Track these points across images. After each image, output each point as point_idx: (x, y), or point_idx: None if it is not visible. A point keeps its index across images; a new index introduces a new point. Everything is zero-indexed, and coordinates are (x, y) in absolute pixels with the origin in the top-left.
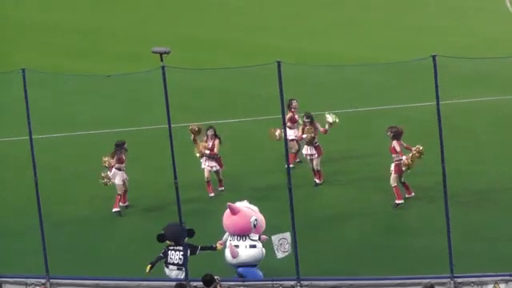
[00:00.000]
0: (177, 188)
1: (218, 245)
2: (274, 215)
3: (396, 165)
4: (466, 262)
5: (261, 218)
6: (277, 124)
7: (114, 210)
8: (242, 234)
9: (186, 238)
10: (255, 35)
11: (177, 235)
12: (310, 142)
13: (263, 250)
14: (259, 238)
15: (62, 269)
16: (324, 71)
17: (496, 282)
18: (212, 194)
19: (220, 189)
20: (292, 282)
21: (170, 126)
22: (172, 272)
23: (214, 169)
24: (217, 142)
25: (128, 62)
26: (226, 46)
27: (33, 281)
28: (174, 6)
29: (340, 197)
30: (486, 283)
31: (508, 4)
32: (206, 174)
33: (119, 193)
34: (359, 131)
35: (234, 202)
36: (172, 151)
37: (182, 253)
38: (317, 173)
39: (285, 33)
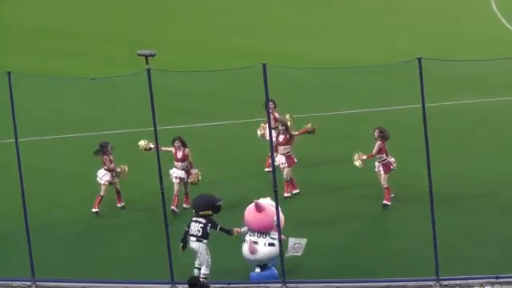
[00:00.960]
0: (162, 193)
1: (235, 230)
2: None
3: (383, 165)
4: (452, 265)
5: (281, 216)
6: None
7: (94, 210)
8: (263, 231)
9: (210, 212)
10: (240, 37)
11: (198, 205)
12: (283, 151)
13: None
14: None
15: (48, 271)
16: (308, 74)
17: (481, 285)
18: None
19: (184, 206)
20: (278, 285)
21: (155, 129)
22: (192, 243)
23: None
24: (187, 150)
25: (115, 64)
26: (211, 48)
27: (18, 283)
28: (160, 9)
29: (323, 200)
30: (472, 286)
31: (494, 5)
32: (176, 187)
33: (102, 194)
34: (343, 134)
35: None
36: (158, 153)
37: (201, 225)
38: (286, 183)
39: (270, 35)
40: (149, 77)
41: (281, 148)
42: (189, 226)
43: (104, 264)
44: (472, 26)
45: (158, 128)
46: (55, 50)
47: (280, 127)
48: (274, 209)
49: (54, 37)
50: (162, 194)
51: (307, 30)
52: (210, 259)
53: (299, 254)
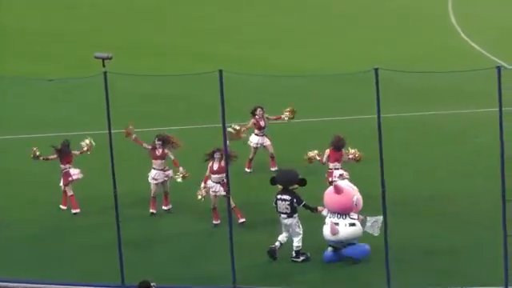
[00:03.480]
0: (115, 196)
1: (319, 208)
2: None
3: (340, 175)
4: (404, 275)
5: (360, 197)
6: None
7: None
8: (343, 212)
9: (296, 186)
10: (203, 42)
11: (285, 179)
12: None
13: (361, 228)
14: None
15: (5, 271)
16: (269, 80)
17: None
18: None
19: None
20: None
21: (110, 132)
22: (283, 220)
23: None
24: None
25: (81, 67)
26: (173, 52)
27: None
28: (121, 13)
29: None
30: None
31: (453, 18)
32: (154, 188)
33: (72, 193)
34: (299, 141)
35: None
36: (111, 157)
37: (288, 202)
38: (213, 211)
39: (233, 40)
40: (105, 79)
41: (215, 177)
42: (276, 204)
43: (56, 265)
44: (432, 37)
45: (112, 131)
46: (15, 50)
47: (216, 155)
48: (352, 190)
49: (12, 36)
50: (115, 196)
51: (270, 36)
52: (301, 232)
53: (376, 233)
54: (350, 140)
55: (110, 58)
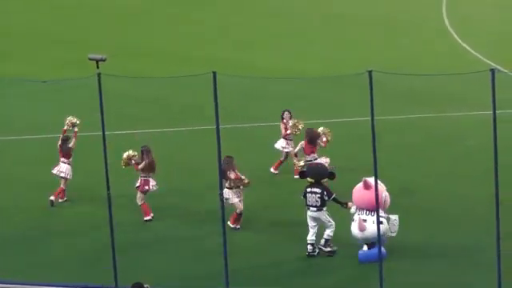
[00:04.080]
0: (109, 198)
1: (349, 203)
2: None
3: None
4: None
5: (387, 194)
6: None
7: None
8: (372, 208)
9: (326, 179)
10: (193, 45)
11: (317, 172)
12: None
13: (387, 226)
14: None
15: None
16: (261, 83)
17: None
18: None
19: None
20: None
21: (103, 133)
22: (312, 213)
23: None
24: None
25: (73, 67)
26: (163, 55)
27: None
28: (117, 16)
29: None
30: None
31: (446, 20)
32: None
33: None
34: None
35: None
36: (105, 158)
37: (318, 195)
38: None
39: (223, 44)
40: (99, 81)
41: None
42: (305, 197)
43: (48, 267)
44: (422, 40)
45: (106, 132)
46: (4, 51)
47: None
48: (381, 186)
49: (2, 37)
50: (109, 198)
51: (257, 39)
52: (332, 222)
53: (394, 234)
54: (339, 143)
55: (104, 60)
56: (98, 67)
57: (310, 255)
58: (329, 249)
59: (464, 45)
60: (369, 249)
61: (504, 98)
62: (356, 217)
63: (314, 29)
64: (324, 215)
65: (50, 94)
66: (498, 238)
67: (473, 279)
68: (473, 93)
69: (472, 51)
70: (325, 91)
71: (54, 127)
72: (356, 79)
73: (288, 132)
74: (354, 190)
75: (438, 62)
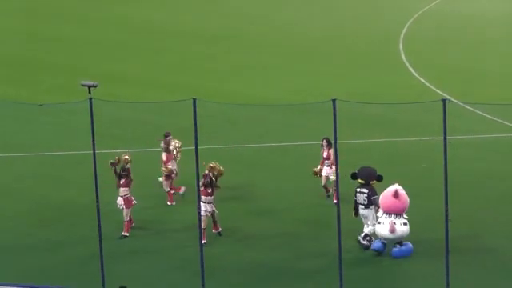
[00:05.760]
0: (98, 210)
1: (380, 208)
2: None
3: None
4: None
5: (407, 198)
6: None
7: None
8: (399, 213)
9: (375, 181)
10: (176, 74)
11: (367, 175)
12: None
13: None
14: None
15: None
16: (235, 109)
17: None
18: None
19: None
20: None
21: (94, 152)
22: (361, 211)
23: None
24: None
25: (62, 93)
26: (150, 82)
27: None
28: (105, 44)
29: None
30: None
31: (403, 56)
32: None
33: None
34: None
35: None
36: (95, 173)
37: (365, 195)
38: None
39: (203, 73)
40: (90, 105)
41: (120, 190)
42: (356, 196)
43: (38, 272)
44: (382, 73)
45: (96, 151)
46: (3, 75)
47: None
48: (405, 194)
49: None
50: (98, 210)
51: (237, 70)
52: (375, 222)
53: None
54: (307, 164)
55: (96, 86)
56: (89, 92)
57: (365, 246)
58: (365, 242)
59: (419, 77)
60: (400, 246)
61: (454, 125)
62: (383, 219)
63: (282, 60)
64: (371, 213)
65: (45, 117)
66: (447, 252)
67: None
68: (426, 120)
69: (426, 83)
70: (293, 117)
71: (49, 146)
72: (321, 107)
73: (324, 156)
74: (382, 197)
75: (396, 92)
